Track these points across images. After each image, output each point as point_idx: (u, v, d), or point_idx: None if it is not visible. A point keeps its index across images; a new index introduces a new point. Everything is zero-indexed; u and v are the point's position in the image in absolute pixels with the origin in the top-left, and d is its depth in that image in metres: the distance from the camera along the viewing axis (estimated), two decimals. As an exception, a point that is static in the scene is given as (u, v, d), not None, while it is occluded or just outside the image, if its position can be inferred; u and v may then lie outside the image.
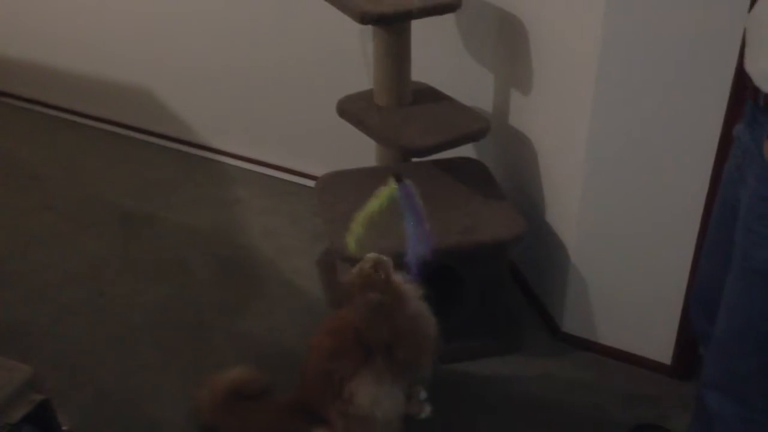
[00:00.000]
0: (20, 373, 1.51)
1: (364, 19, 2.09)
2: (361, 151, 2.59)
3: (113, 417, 2.06)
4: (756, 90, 1.28)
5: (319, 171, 2.58)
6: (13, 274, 2.62)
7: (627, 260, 2.09)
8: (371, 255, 1.80)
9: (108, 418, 2.06)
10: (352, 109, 2.35)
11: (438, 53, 2.54)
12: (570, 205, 2.12)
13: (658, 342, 2.15)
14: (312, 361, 1.89)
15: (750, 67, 1.30)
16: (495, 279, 2.19)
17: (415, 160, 2.41)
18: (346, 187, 2.33)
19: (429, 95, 2.41)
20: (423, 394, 2.06)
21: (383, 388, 1.82)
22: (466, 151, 2.54)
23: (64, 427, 1.59)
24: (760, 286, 1.35)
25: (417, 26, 2.24)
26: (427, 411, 2.04)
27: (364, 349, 1.81)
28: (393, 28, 2.19)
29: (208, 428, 1.97)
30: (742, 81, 1.65)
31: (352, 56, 2.65)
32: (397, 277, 1.81)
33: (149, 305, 2.47)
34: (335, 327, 1.90)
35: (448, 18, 2.41)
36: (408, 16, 2.14)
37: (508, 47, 2.38)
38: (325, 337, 1.90)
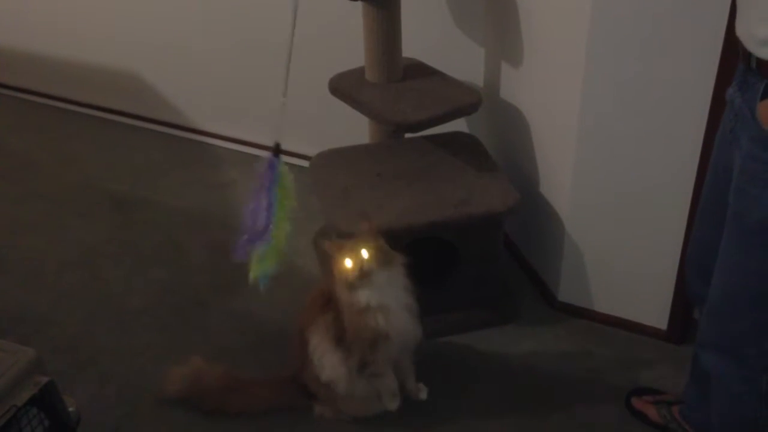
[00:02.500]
0: (25, 355, 1.52)
1: (353, -5, 2.09)
2: (352, 129, 2.59)
3: (116, 398, 2.07)
4: (747, 53, 1.30)
5: (311, 150, 2.58)
6: (8, 262, 2.62)
7: (621, 228, 2.11)
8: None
9: (111, 399, 2.07)
10: (344, 87, 2.35)
11: (428, 28, 2.54)
12: (563, 175, 2.14)
13: (653, 308, 2.18)
14: (296, 322, 1.95)
15: (740, 31, 1.32)
16: (490, 251, 2.21)
17: (407, 135, 2.42)
18: (341, 164, 2.34)
19: (420, 71, 2.41)
20: (423, 393, 2.03)
21: (326, 345, 1.83)
22: (458, 125, 2.55)
23: (69, 408, 1.60)
24: (752, 245, 1.37)
25: (406, 1, 2.24)
26: (424, 393, 2.02)
27: (325, 299, 1.84)
28: (382, 4, 2.19)
29: (209, 411, 1.99)
30: (732, 45, 1.67)
31: (341, 34, 2.64)
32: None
33: (146, 288, 2.48)
34: (319, 286, 1.95)
35: (437, -8, 2.41)
36: (397, -10, 2.14)
37: (498, 20, 2.38)
38: (308, 295, 1.95)
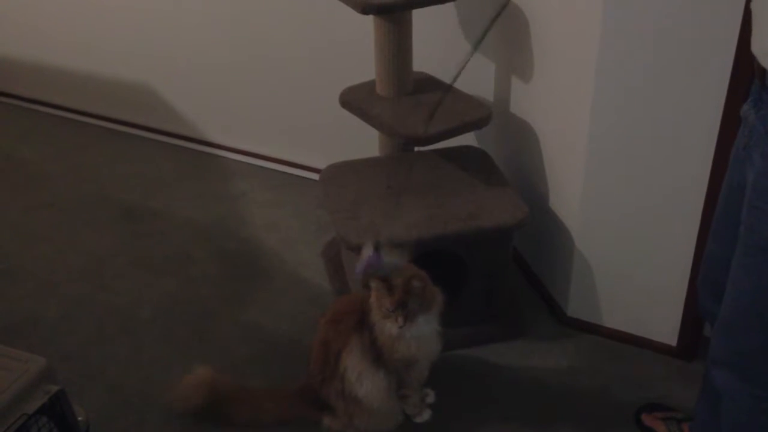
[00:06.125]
0: (35, 364, 1.53)
1: (365, 9, 2.10)
2: (362, 142, 2.60)
3: (125, 408, 2.07)
4: (762, 70, 1.29)
5: (321, 163, 2.59)
6: (19, 272, 2.63)
7: (631, 244, 2.11)
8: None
9: (120, 409, 2.07)
10: (355, 100, 2.36)
11: (439, 43, 2.56)
12: (573, 190, 2.14)
13: (663, 324, 2.17)
14: (318, 333, 1.95)
15: (755, 48, 1.32)
16: (499, 265, 2.21)
17: (417, 148, 2.43)
18: (351, 177, 2.35)
19: (430, 84, 2.42)
20: (430, 397, 2.07)
21: (366, 365, 1.85)
22: (468, 139, 2.56)
23: (79, 417, 1.61)
24: (764, 262, 1.36)
25: (417, 16, 2.25)
26: (425, 416, 2.03)
27: (358, 318, 1.85)
28: (394, 18, 2.20)
29: (217, 422, 1.99)
30: (743, 61, 1.67)
31: (353, 47, 2.66)
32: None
33: (156, 299, 2.49)
34: (345, 298, 1.97)
35: (449, 7, 2.42)
36: (409, 5, 2.15)
37: (509, 35, 2.39)
38: (333, 306, 1.97)
